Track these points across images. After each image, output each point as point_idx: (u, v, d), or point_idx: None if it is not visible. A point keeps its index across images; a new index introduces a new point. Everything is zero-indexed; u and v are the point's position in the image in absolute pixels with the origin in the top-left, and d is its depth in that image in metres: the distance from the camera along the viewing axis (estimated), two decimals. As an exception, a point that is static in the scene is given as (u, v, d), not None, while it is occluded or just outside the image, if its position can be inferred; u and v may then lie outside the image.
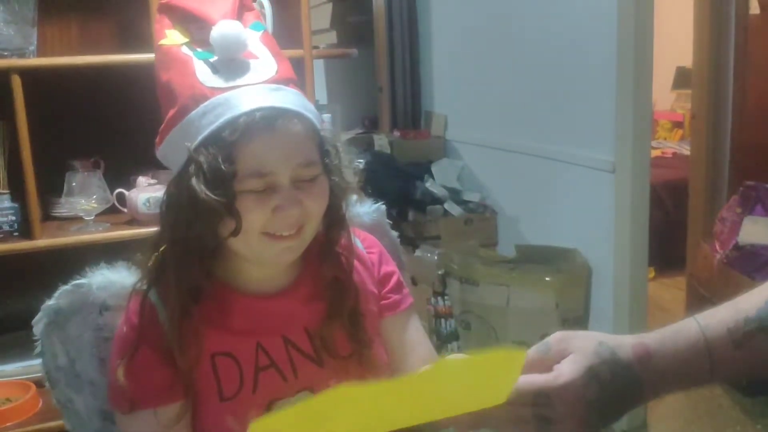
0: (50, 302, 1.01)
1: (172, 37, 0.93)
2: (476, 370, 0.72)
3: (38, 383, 1.72)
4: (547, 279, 2.66)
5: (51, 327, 1.01)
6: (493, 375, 0.72)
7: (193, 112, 0.88)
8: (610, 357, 0.74)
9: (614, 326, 2.66)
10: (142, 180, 1.90)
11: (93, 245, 1.79)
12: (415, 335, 1.10)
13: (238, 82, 0.89)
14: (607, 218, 2.65)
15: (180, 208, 0.89)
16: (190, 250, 0.91)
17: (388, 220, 1.23)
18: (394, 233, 1.25)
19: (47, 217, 1.92)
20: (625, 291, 2.61)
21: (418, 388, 0.72)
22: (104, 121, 2.07)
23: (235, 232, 0.88)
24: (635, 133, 2.52)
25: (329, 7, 4.25)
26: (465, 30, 3.51)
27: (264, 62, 0.92)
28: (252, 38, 0.94)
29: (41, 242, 1.74)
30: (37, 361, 1.81)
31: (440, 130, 3.75)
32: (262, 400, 0.95)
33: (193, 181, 0.86)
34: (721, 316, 0.77)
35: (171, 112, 0.91)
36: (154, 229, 1.86)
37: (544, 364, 0.75)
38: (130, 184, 1.91)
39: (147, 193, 1.85)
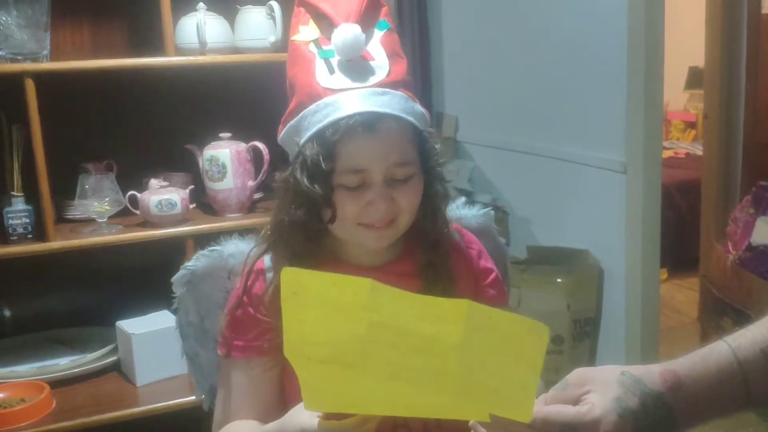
0: (189, 264, 1.14)
1: (303, 34, 1.02)
2: (499, 326, 0.71)
3: (52, 384, 1.74)
4: (558, 280, 2.65)
5: (187, 286, 1.14)
6: (519, 341, 0.70)
7: (307, 109, 0.98)
8: (636, 386, 0.72)
9: (626, 327, 2.65)
10: (154, 182, 1.91)
11: (106, 247, 1.81)
12: None
13: (349, 85, 0.97)
14: (618, 219, 2.64)
15: (286, 193, 1.00)
16: (295, 230, 1.01)
17: (495, 226, 1.30)
18: (502, 239, 1.31)
19: (60, 219, 1.94)
20: (637, 292, 2.60)
21: (442, 314, 0.71)
22: (116, 124, 2.09)
23: (331, 221, 0.99)
24: (646, 134, 2.51)
25: (340, 9, 4.26)
26: (475, 31, 3.51)
27: (378, 64, 0.99)
28: (374, 38, 1.01)
29: (55, 244, 1.75)
30: (50, 362, 1.86)
31: (451, 132, 3.74)
32: None
33: (297, 172, 0.97)
34: (753, 336, 0.75)
35: (291, 105, 1.02)
36: (167, 230, 1.89)
37: (564, 401, 0.74)
38: (142, 187, 1.93)
39: (159, 195, 1.86)
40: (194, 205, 1.98)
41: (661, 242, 2.63)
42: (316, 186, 0.95)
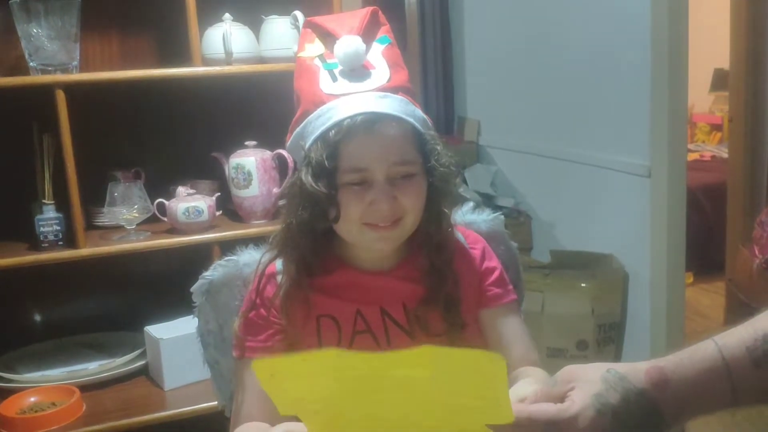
0: (207, 273, 1.17)
1: (308, 50, 1.07)
2: (460, 363, 0.73)
3: (82, 388, 1.77)
4: (582, 285, 2.64)
5: (205, 295, 1.17)
6: (481, 370, 0.72)
7: (312, 115, 1.02)
8: (619, 383, 0.73)
9: (651, 332, 2.63)
10: (181, 190, 1.94)
11: (134, 253, 1.84)
12: (514, 331, 1.14)
13: (351, 89, 1.02)
14: (643, 223, 2.63)
15: (293, 195, 1.03)
16: (302, 231, 1.04)
17: (506, 230, 1.30)
18: (513, 243, 1.31)
19: (90, 226, 1.98)
20: (663, 296, 2.59)
21: (406, 364, 0.73)
22: (144, 133, 2.12)
23: (335, 220, 1.01)
24: (671, 137, 2.50)
25: (362, 15, 4.28)
26: (497, 35, 3.51)
27: (379, 72, 1.04)
28: (374, 50, 1.06)
29: (85, 251, 1.78)
30: (80, 366, 1.89)
31: (473, 136, 3.75)
32: None
33: (303, 173, 1.00)
34: (739, 335, 0.75)
35: (297, 114, 1.06)
36: (194, 237, 1.91)
37: (553, 398, 0.76)
38: (169, 194, 1.95)
39: (186, 202, 1.89)
40: (220, 212, 2.01)
41: (686, 246, 2.61)
42: (321, 185, 0.98)
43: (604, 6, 2.74)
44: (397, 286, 1.09)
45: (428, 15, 3.89)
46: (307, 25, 1.08)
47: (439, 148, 1.05)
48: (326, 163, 0.98)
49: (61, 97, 1.71)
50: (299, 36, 1.09)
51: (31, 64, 1.78)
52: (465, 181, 3.49)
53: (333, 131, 0.98)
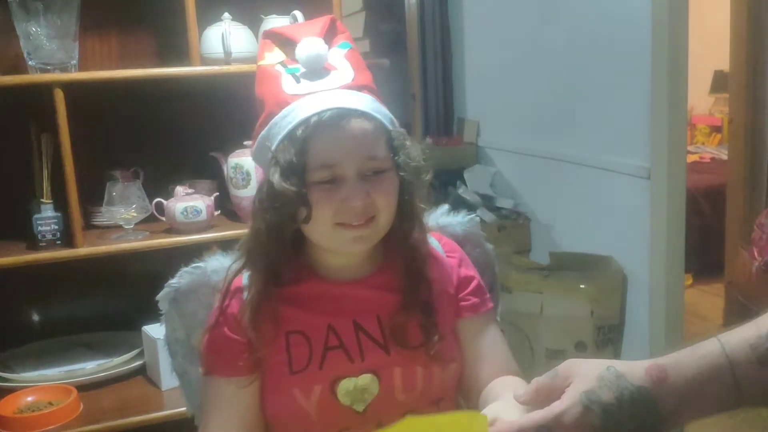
0: (173, 281, 1.14)
1: (268, 58, 1.05)
2: (447, 426, 0.71)
3: (79, 387, 1.77)
4: (581, 286, 2.64)
5: (172, 303, 1.14)
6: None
7: (277, 116, 1.00)
8: (615, 381, 0.72)
9: (650, 334, 2.63)
10: (179, 189, 1.94)
11: (132, 253, 1.84)
12: (492, 341, 1.12)
13: (315, 87, 1.00)
14: (642, 225, 2.62)
15: (262, 199, 1.00)
16: (272, 237, 1.00)
17: (482, 232, 1.27)
18: (489, 246, 1.28)
19: (88, 225, 1.98)
20: (662, 298, 2.58)
21: None
22: (143, 132, 2.12)
23: (306, 220, 0.97)
24: (671, 139, 2.49)
25: (362, 15, 4.29)
26: (497, 36, 3.51)
27: (342, 72, 1.03)
28: (335, 54, 1.04)
29: (83, 250, 1.78)
30: (77, 366, 1.89)
31: (473, 137, 3.74)
32: (327, 377, 1.02)
33: (271, 174, 0.97)
34: (743, 332, 0.74)
35: (260, 119, 1.04)
36: (192, 237, 1.90)
37: (552, 392, 0.75)
38: (168, 194, 1.95)
39: (184, 202, 1.89)
40: (219, 211, 2.01)
41: (685, 248, 2.60)
42: (290, 183, 0.95)
43: (604, 7, 2.74)
44: (371, 296, 1.06)
45: (428, 15, 3.89)
46: (266, 35, 1.07)
47: (408, 143, 1.03)
48: (295, 159, 0.95)
49: (59, 96, 1.71)
50: (259, 48, 1.08)
51: (29, 62, 1.77)
52: (464, 182, 3.49)
53: (300, 129, 0.96)
